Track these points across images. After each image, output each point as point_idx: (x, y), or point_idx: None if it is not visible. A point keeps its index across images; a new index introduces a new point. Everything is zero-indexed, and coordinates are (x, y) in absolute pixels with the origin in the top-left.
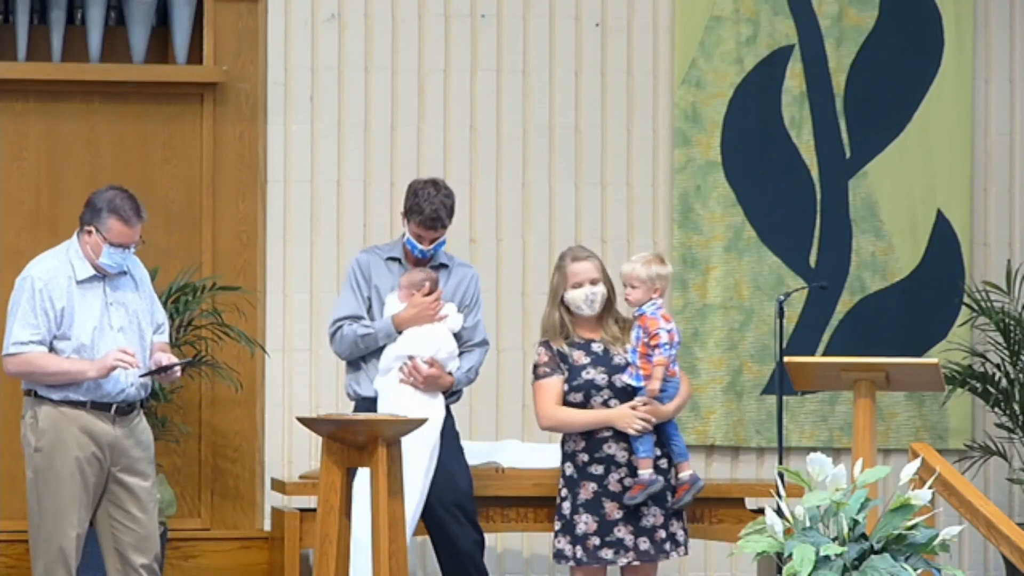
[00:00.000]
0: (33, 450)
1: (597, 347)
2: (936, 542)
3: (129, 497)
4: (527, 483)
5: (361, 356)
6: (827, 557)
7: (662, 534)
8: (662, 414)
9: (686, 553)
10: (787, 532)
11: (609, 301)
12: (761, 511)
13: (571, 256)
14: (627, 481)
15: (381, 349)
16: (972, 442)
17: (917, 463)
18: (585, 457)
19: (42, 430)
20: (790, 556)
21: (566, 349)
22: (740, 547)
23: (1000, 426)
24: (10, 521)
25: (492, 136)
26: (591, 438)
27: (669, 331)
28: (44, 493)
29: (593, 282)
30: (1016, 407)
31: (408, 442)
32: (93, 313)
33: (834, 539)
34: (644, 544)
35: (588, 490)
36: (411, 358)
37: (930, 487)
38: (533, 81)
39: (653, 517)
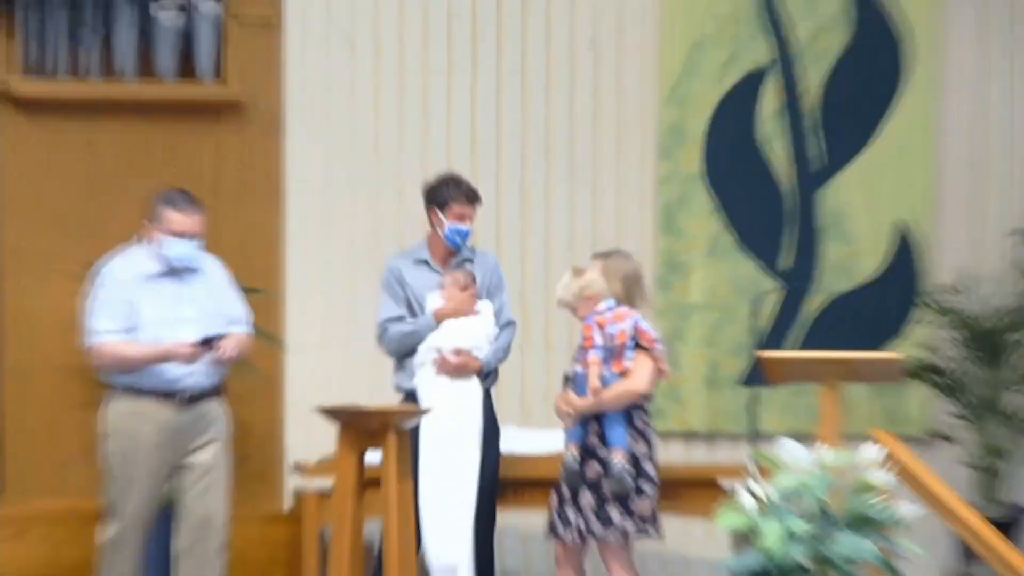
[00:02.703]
0: (103, 437)
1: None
2: (894, 519)
3: (194, 477)
4: (525, 467)
5: (407, 353)
6: (795, 533)
7: (591, 515)
8: (575, 406)
9: (626, 534)
10: (759, 510)
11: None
12: (734, 491)
13: None
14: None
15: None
16: (927, 429)
17: (877, 446)
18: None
19: (110, 418)
20: (761, 532)
21: None
22: (716, 522)
23: (952, 415)
24: (66, 499)
25: (492, 149)
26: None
27: (612, 333)
28: (113, 478)
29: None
30: (968, 397)
31: (454, 428)
32: (162, 307)
33: (801, 517)
34: (580, 523)
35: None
36: (438, 350)
37: (890, 470)
38: (530, 99)
39: (585, 499)
